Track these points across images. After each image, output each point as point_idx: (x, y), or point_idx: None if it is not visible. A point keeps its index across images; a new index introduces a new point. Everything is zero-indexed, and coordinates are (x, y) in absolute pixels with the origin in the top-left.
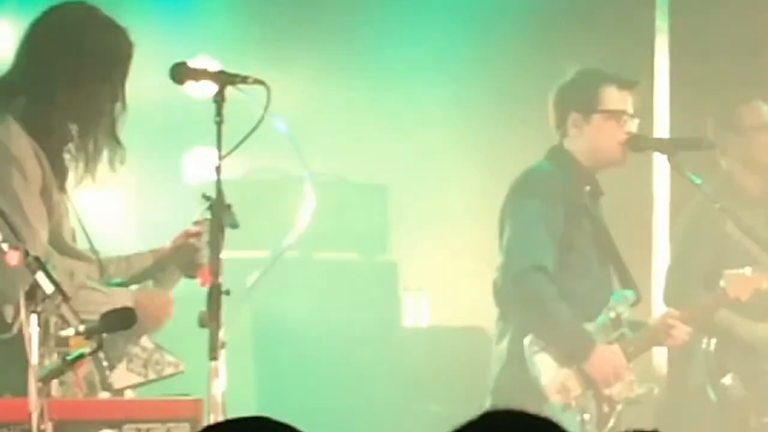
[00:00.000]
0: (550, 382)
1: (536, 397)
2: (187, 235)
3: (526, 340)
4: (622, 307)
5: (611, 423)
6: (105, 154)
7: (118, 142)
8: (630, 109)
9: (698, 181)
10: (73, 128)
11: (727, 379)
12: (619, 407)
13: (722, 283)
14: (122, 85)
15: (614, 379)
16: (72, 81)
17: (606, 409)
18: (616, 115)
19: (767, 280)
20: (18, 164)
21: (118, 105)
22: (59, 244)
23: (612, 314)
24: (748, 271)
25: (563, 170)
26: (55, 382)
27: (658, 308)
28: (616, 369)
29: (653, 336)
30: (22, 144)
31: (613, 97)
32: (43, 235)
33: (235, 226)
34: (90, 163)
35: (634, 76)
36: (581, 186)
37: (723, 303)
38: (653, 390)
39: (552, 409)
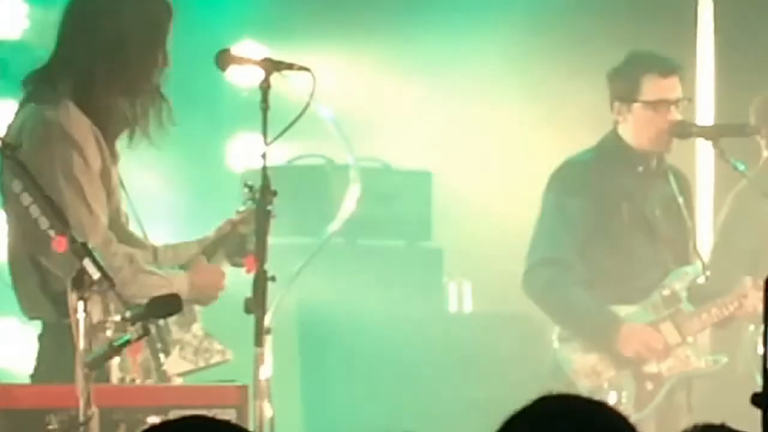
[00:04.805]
0: (578, 366)
1: (564, 382)
2: (232, 223)
3: (556, 329)
4: (681, 283)
5: (657, 400)
6: (152, 114)
7: (163, 98)
8: (675, 95)
9: (742, 167)
10: (121, 100)
11: None
12: (667, 384)
13: None
14: (164, 45)
15: (649, 356)
16: (115, 50)
17: (650, 386)
18: (656, 105)
19: None
20: (79, 149)
21: (160, 63)
22: (116, 229)
23: (665, 292)
24: None
25: (607, 156)
26: (114, 368)
27: None
28: (648, 345)
29: (722, 308)
30: (83, 127)
31: (655, 86)
32: (104, 220)
33: (273, 215)
34: (141, 123)
35: (678, 61)
36: (630, 169)
37: None
38: (718, 362)
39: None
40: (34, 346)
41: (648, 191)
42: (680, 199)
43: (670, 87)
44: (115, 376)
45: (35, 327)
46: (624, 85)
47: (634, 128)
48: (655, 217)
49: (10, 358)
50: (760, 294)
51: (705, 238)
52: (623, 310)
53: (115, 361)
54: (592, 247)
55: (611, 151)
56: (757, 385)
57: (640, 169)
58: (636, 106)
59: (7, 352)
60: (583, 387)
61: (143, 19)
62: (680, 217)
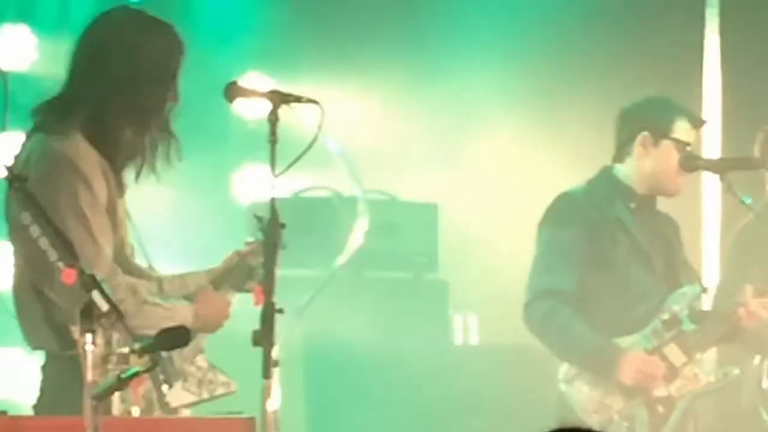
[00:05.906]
0: (587, 405)
1: (572, 419)
2: (240, 255)
3: (562, 369)
4: (679, 305)
5: (671, 421)
6: (160, 149)
7: (171, 134)
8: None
9: (749, 200)
10: (130, 133)
11: None
12: (680, 404)
13: None
14: (175, 81)
15: (650, 383)
16: (128, 85)
17: (662, 410)
18: (682, 147)
19: None
20: (86, 181)
21: (171, 98)
22: (122, 261)
23: (665, 316)
24: None
25: (600, 190)
26: (116, 400)
27: None
28: (647, 373)
29: (724, 322)
30: (90, 159)
31: (684, 130)
32: (109, 252)
33: (283, 247)
34: (148, 157)
35: (685, 96)
36: (622, 203)
37: None
38: (728, 375)
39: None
40: (37, 377)
41: (641, 223)
42: (670, 234)
43: (694, 137)
44: (116, 408)
45: (39, 357)
46: (658, 119)
47: (654, 164)
48: (651, 248)
49: (14, 389)
50: (762, 300)
51: (711, 271)
52: (625, 341)
53: (117, 393)
54: (590, 277)
55: (604, 185)
56: (763, 419)
57: (633, 205)
58: (665, 142)
59: (12, 382)
60: (594, 423)
61: (156, 55)
62: (672, 251)
